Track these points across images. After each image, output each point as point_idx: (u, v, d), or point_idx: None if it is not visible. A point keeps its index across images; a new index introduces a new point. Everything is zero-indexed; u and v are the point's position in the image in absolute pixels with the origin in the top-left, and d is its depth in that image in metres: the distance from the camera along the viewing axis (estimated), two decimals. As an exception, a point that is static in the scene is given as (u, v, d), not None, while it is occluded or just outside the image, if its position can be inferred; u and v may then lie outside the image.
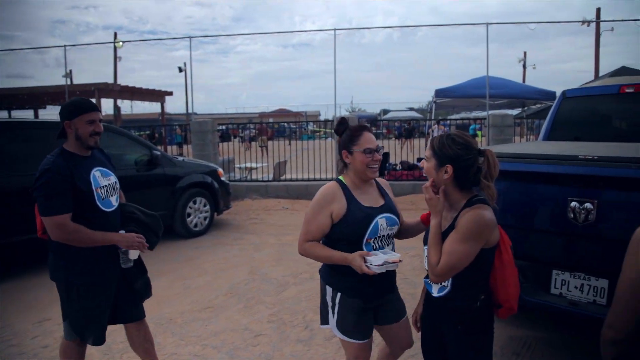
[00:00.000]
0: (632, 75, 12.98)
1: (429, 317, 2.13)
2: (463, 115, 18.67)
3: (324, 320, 2.35)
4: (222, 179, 7.71)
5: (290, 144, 20.64)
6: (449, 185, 1.88)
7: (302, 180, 10.42)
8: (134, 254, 2.58)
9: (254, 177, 11.14)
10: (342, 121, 2.27)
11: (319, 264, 2.38)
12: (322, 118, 36.32)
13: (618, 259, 2.21)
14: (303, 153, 12.18)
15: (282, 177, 10.82)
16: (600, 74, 22.12)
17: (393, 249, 2.27)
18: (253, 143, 22.14)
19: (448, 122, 17.16)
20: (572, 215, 2.74)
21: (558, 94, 5.21)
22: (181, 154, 14.88)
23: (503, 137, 9.28)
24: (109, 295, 2.57)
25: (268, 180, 10.51)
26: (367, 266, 2.00)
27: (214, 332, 3.85)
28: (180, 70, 26.85)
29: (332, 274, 2.26)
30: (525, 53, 30.73)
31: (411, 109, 39.70)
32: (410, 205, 9.23)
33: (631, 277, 1.41)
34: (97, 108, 2.54)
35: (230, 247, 6.64)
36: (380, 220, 2.18)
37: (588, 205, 2.70)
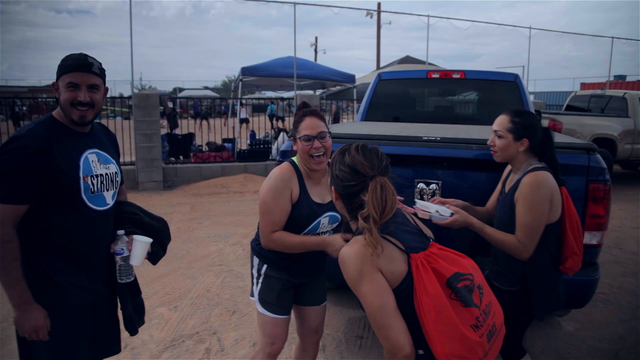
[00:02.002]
0: (415, 63, 14.84)
1: None
2: (270, 94, 18.72)
3: (252, 293, 2.29)
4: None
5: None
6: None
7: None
8: (137, 259, 1.85)
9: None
10: (300, 106, 2.17)
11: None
12: (107, 95, 32.68)
13: (460, 234, 2.30)
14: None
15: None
16: (381, 62, 24.86)
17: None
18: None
19: (251, 101, 17.08)
20: (419, 197, 2.73)
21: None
22: None
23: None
24: (91, 325, 1.85)
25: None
26: (414, 203, 2.15)
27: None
28: None
29: (260, 245, 2.19)
30: (316, 38, 32.68)
31: (206, 88, 38.80)
32: (222, 188, 8.81)
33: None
34: (86, 67, 1.73)
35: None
36: (324, 219, 2.10)
37: (433, 186, 2.71)
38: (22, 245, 1.65)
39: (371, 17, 25.29)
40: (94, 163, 1.78)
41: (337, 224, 2.15)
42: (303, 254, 2.08)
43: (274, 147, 10.13)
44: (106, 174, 1.83)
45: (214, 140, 10.33)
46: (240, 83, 11.09)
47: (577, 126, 8.55)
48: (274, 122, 20.47)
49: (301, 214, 2.04)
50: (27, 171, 1.61)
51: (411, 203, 2.71)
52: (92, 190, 1.76)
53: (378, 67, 25.24)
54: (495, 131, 2.23)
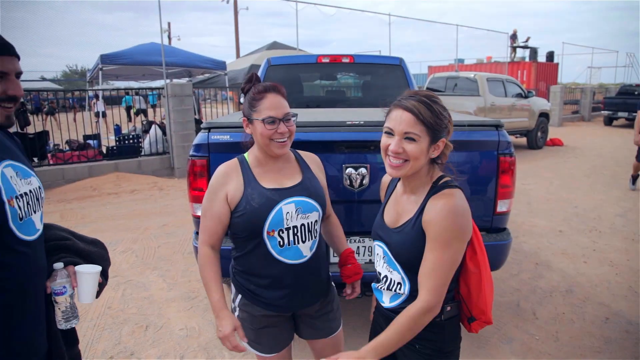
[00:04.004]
0: (283, 49, 14.79)
1: (377, 333, 1.58)
2: (119, 84, 17.17)
3: None
4: None
5: None
6: (424, 165, 1.49)
7: None
8: (89, 295, 1.49)
9: None
10: (251, 78, 1.76)
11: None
12: None
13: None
14: None
15: None
16: (242, 49, 24.43)
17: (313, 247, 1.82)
18: None
19: (106, 92, 15.55)
20: (348, 182, 2.72)
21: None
22: None
23: (184, 107, 8.94)
24: None
25: None
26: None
27: None
28: None
29: (235, 271, 1.86)
30: (169, 24, 30.93)
31: (44, 79, 34.64)
32: (92, 191, 7.93)
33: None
34: (11, 47, 1.32)
35: None
36: (287, 207, 1.70)
37: (362, 170, 2.72)
38: None
39: (227, 2, 24.69)
40: (14, 179, 1.34)
41: (316, 213, 1.78)
42: (283, 280, 1.75)
43: (146, 142, 9.40)
44: (30, 191, 1.40)
45: (76, 138, 9.22)
46: (100, 73, 10.01)
47: (442, 105, 9.38)
48: (132, 114, 19.13)
49: (252, 206, 1.66)
50: None
51: (342, 188, 2.70)
52: (20, 215, 1.32)
53: (238, 54, 24.80)
54: None
